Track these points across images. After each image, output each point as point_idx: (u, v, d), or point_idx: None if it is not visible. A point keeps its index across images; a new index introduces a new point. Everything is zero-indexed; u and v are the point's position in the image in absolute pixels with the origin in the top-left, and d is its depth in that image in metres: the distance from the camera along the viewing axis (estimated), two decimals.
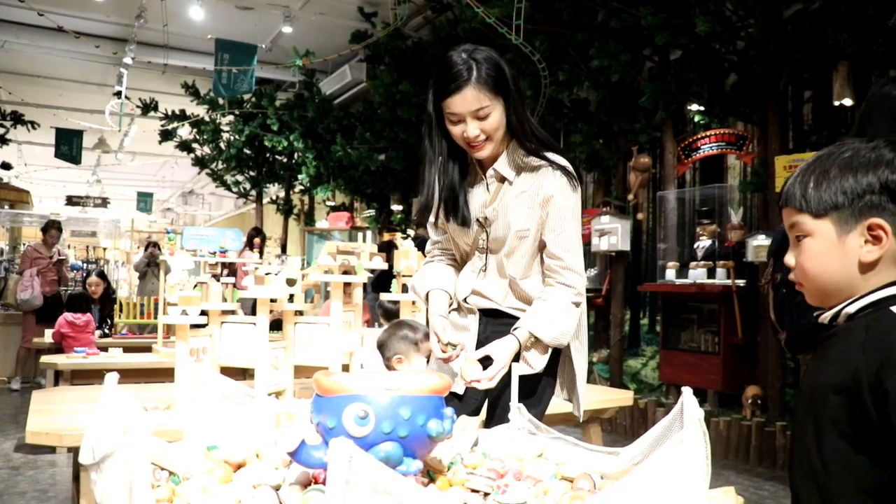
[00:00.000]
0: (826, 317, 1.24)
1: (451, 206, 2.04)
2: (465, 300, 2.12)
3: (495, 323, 2.07)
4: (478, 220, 2.04)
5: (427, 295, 2.14)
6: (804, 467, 1.23)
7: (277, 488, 1.18)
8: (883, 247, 1.15)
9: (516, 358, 1.95)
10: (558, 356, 2.11)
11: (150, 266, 9.75)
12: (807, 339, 2.17)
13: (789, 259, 1.26)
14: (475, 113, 1.89)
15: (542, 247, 2.03)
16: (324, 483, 1.13)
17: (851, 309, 1.19)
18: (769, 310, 2.20)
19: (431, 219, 2.13)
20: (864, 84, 4.80)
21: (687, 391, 1.16)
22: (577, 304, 2.04)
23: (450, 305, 2.12)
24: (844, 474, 1.12)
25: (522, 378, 1.96)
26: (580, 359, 2.13)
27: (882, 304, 1.16)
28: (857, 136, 2.63)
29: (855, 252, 1.17)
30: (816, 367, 1.26)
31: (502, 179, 2.02)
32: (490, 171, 2.03)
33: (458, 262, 2.20)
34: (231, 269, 6.03)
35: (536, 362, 2.01)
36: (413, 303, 3.38)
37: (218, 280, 3.51)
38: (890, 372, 1.08)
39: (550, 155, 2.02)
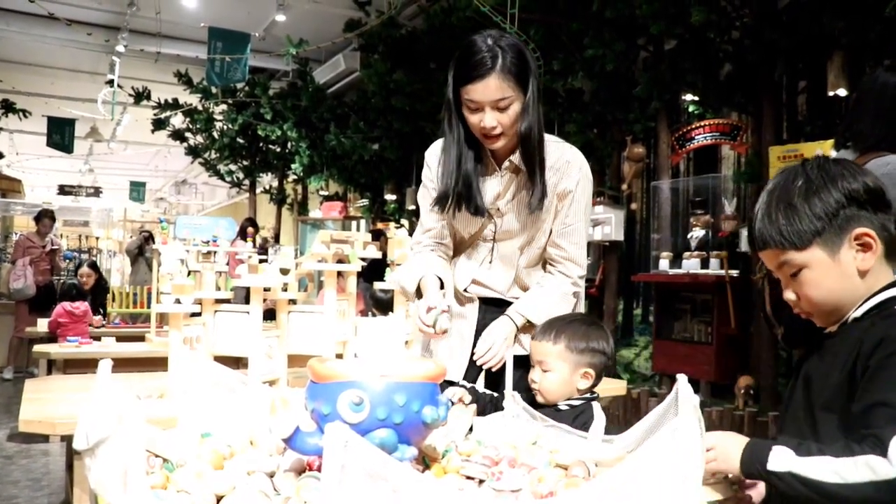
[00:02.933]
0: (835, 328, 1.27)
1: (466, 196, 1.97)
2: (464, 290, 2.10)
3: (495, 311, 2.05)
4: (487, 211, 2.00)
5: (419, 282, 2.04)
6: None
7: (272, 475, 1.17)
8: (875, 251, 1.20)
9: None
10: None
11: (141, 255, 9.71)
12: (805, 334, 2.18)
13: (789, 295, 1.28)
14: (495, 103, 1.83)
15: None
16: (318, 470, 1.13)
17: (858, 313, 1.23)
18: (764, 303, 2.20)
19: (430, 204, 2.08)
20: (859, 74, 4.80)
21: (682, 378, 1.16)
22: (575, 294, 2.04)
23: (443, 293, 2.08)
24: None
25: (519, 361, 1.97)
26: None
27: (886, 306, 1.20)
28: (848, 126, 2.64)
29: (851, 265, 1.21)
30: (817, 363, 1.28)
31: (517, 171, 1.98)
32: (505, 164, 1.99)
33: (449, 254, 2.16)
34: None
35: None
36: None
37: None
38: (878, 353, 1.13)
39: (567, 147, 2.02)
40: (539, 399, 1.74)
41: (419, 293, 2.01)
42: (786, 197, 1.23)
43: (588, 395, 1.75)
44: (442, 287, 1.99)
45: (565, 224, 2.01)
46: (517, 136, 1.92)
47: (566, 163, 1.98)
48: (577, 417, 1.67)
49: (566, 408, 1.71)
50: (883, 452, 1.06)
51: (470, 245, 2.10)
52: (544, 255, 2.07)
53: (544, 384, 1.71)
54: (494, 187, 2.01)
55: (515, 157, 1.96)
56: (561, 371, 1.71)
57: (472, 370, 2.06)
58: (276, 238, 11.48)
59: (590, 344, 1.71)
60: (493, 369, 1.96)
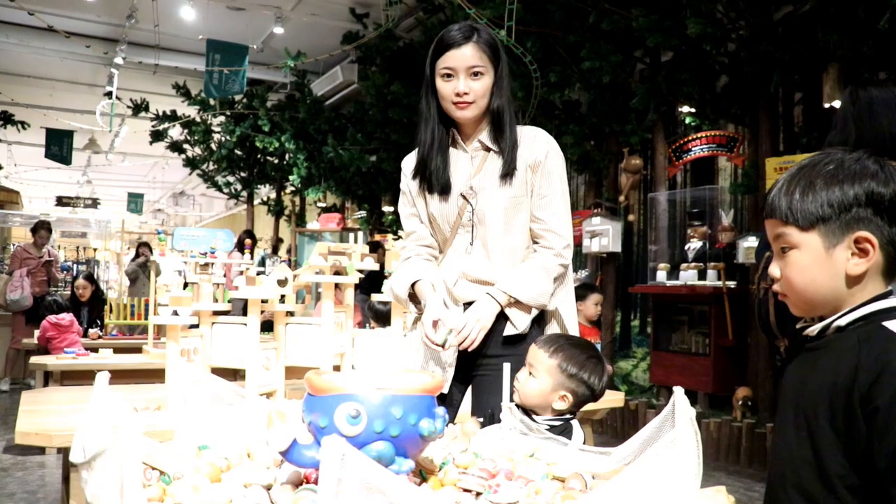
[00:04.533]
0: (814, 330, 1.25)
1: (439, 175, 2.05)
2: (451, 289, 2.08)
3: None
4: (462, 194, 2.04)
5: (413, 286, 2.05)
6: (784, 465, 1.24)
7: (269, 488, 1.17)
8: (870, 260, 1.16)
9: (504, 319, 2.01)
10: (544, 318, 2.15)
11: (142, 268, 9.71)
12: None
13: (774, 270, 1.26)
14: (470, 69, 1.95)
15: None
16: (315, 483, 1.12)
17: (842, 322, 1.20)
18: (768, 314, 2.18)
19: (410, 209, 2.15)
20: (853, 85, 4.83)
21: (678, 391, 1.16)
22: (562, 266, 2.07)
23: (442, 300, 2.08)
24: (827, 473, 1.14)
25: (510, 340, 2.03)
26: (569, 315, 2.15)
27: (873, 319, 1.17)
28: (838, 137, 2.66)
29: (842, 265, 1.18)
30: (803, 375, 1.26)
31: (487, 149, 2.05)
32: (475, 144, 2.07)
33: (435, 255, 2.16)
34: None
35: (520, 322, 2.03)
36: None
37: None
38: (882, 388, 1.09)
39: (531, 127, 2.10)
40: (515, 399, 1.79)
41: (413, 299, 2.05)
42: (811, 175, 1.20)
43: (567, 416, 1.79)
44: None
45: (541, 195, 2.05)
46: (488, 114, 2.03)
47: (532, 137, 2.06)
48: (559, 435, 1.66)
49: (546, 427, 1.69)
50: None
51: (452, 237, 2.11)
52: (531, 235, 2.10)
53: (526, 387, 1.77)
54: (467, 167, 2.07)
55: (484, 137, 2.05)
56: (543, 383, 1.75)
57: (460, 374, 2.08)
58: (275, 250, 11.48)
59: (580, 374, 1.75)
60: (469, 349, 1.96)
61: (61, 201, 16.21)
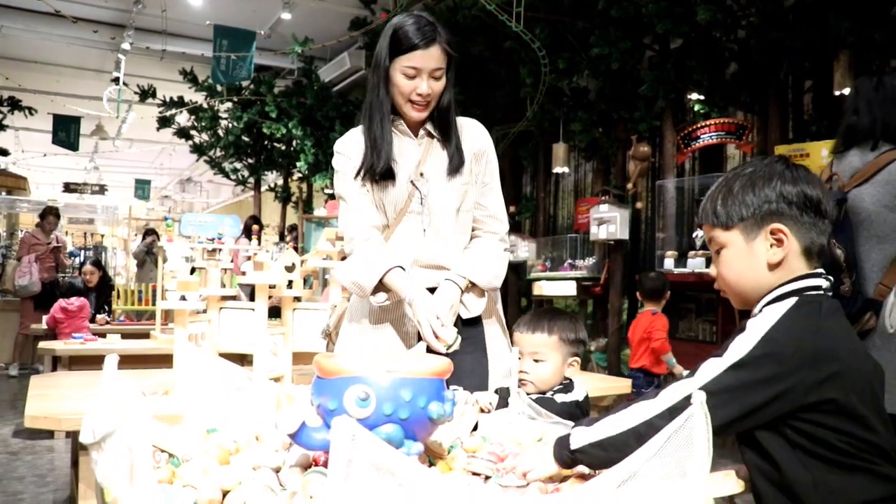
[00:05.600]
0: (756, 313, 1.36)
1: (386, 164, 2.04)
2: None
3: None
4: (411, 180, 2.06)
5: (386, 274, 1.95)
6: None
7: (277, 470, 1.17)
8: (786, 248, 1.30)
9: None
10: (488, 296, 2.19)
11: (149, 254, 9.74)
12: None
13: (711, 270, 1.44)
14: (433, 71, 1.96)
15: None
16: (324, 465, 1.13)
17: (756, 309, 1.34)
18: None
19: (356, 189, 2.08)
20: (865, 73, 4.79)
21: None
22: (506, 250, 2.17)
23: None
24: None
25: (464, 322, 2.06)
26: (499, 294, 2.24)
27: (782, 298, 1.30)
28: (864, 120, 2.67)
29: (763, 255, 1.32)
30: None
31: (431, 136, 2.10)
32: (420, 132, 2.10)
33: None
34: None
35: (474, 306, 2.08)
36: None
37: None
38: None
39: (466, 118, 2.16)
40: (529, 389, 1.82)
41: (380, 288, 1.97)
42: (731, 182, 1.36)
43: (566, 381, 1.88)
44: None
45: (484, 183, 2.14)
46: (436, 108, 2.06)
47: (472, 127, 2.15)
48: (566, 399, 1.79)
49: (560, 398, 1.80)
50: (654, 397, 1.23)
51: (397, 222, 2.09)
52: (472, 221, 2.16)
53: (538, 374, 1.82)
54: (415, 154, 2.09)
55: (429, 126, 2.09)
56: (554, 361, 1.83)
57: None
58: (281, 236, 11.49)
59: (577, 335, 1.86)
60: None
61: (68, 187, 16.22)
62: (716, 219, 1.36)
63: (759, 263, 1.32)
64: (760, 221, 1.31)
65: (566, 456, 1.24)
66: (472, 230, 2.16)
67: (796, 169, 1.33)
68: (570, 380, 1.87)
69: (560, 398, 1.78)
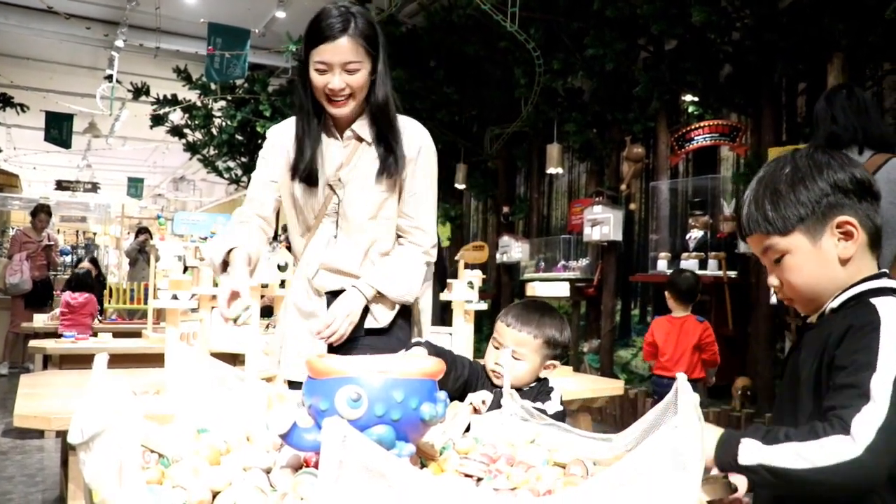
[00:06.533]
0: (814, 318, 1.29)
1: (307, 166, 1.97)
2: (311, 280, 2.04)
3: None
4: (329, 184, 1.99)
5: (229, 253, 1.87)
6: None
7: (268, 471, 1.16)
8: (856, 240, 1.22)
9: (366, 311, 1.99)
10: (409, 312, 2.14)
11: (141, 253, 9.71)
12: None
13: (773, 280, 1.31)
14: (345, 65, 1.86)
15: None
16: (315, 466, 1.12)
17: (835, 304, 1.25)
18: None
19: (264, 177, 2.05)
20: (859, 76, 4.80)
21: (682, 377, 1.15)
22: (427, 264, 2.07)
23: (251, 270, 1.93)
24: None
25: (371, 332, 2.02)
26: (426, 308, 2.18)
27: (863, 297, 1.21)
28: (845, 130, 2.72)
29: (832, 252, 1.23)
30: (797, 356, 1.31)
31: (360, 139, 2.01)
32: (347, 133, 2.01)
33: (268, 231, 2.08)
34: None
35: (382, 317, 2.02)
36: None
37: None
38: (845, 340, 1.16)
39: (407, 119, 2.06)
40: (500, 383, 1.78)
41: (226, 266, 1.89)
42: (773, 184, 1.26)
43: (541, 380, 1.86)
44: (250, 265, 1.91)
45: (411, 192, 2.03)
46: (366, 105, 1.97)
47: (411, 130, 2.04)
48: (538, 395, 1.78)
49: (526, 389, 1.80)
50: (846, 432, 1.06)
51: (316, 226, 2.05)
52: (396, 230, 2.07)
53: (515, 371, 1.78)
54: (338, 157, 2.01)
55: (358, 126, 1.99)
56: (533, 362, 1.80)
57: None
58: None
59: (563, 339, 1.82)
60: (334, 344, 1.93)
61: (61, 185, 16.15)
62: (769, 226, 1.25)
63: (831, 262, 1.23)
64: (822, 218, 1.22)
65: (729, 466, 1.15)
66: (398, 238, 2.08)
67: (834, 155, 1.25)
68: (546, 379, 1.86)
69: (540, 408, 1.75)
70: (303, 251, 2.08)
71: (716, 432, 1.21)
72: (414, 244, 2.06)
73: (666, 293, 4.57)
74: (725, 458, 1.16)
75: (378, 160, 1.98)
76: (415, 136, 2.03)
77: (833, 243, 1.22)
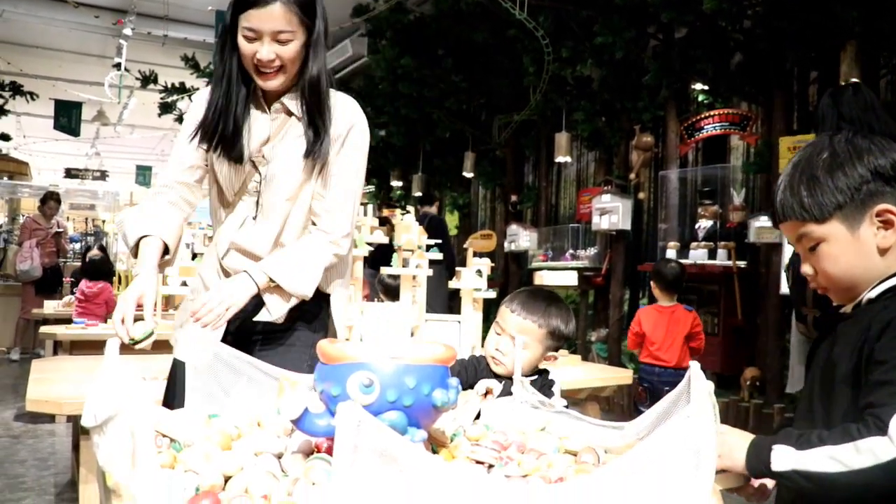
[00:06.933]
0: (849, 308, 1.25)
1: (231, 137, 1.80)
2: (221, 259, 1.90)
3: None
4: (252, 159, 1.84)
5: (139, 242, 1.76)
6: (800, 427, 1.24)
7: (280, 456, 1.17)
8: None
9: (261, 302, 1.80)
10: (320, 307, 1.93)
11: None
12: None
13: (807, 269, 1.26)
14: (276, 34, 1.71)
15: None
16: (327, 452, 1.12)
17: (873, 294, 1.20)
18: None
19: (187, 138, 1.86)
20: (873, 64, 4.75)
21: (695, 365, 1.14)
22: (335, 255, 1.86)
23: (162, 257, 1.79)
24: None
25: (268, 327, 1.84)
26: (339, 303, 1.98)
27: None
28: (840, 129, 2.70)
29: (871, 241, 1.18)
30: (831, 347, 1.26)
31: (289, 114, 1.85)
32: (276, 105, 1.85)
33: (192, 201, 1.92)
34: None
35: (276, 309, 1.81)
36: (414, 277, 3.37)
37: None
38: (886, 334, 1.12)
39: (341, 95, 1.91)
40: (499, 370, 1.78)
41: (136, 252, 1.78)
42: (809, 169, 1.21)
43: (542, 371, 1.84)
44: (167, 254, 1.80)
45: (331, 173, 1.85)
46: (298, 79, 1.82)
47: (342, 107, 1.89)
48: (541, 388, 1.72)
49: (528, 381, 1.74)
50: (883, 432, 1.04)
51: (234, 203, 1.90)
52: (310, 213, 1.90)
53: (514, 359, 1.73)
54: (263, 131, 1.85)
55: (287, 99, 1.84)
56: (535, 352, 1.77)
57: None
58: None
59: (567, 331, 1.78)
60: (208, 328, 1.72)
61: (70, 173, 16.17)
62: (805, 212, 1.20)
63: (870, 251, 1.18)
64: (861, 205, 1.17)
65: (762, 473, 1.14)
66: (311, 224, 1.89)
67: (875, 140, 1.20)
68: (547, 371, 1.83)
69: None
70: (219, 228, 1.94)
71: (745, 439, 1.19)
72: (322, 231, 1.85)
73: (651, 283, 4.59)
74: (758, 465, 1.14)
75: (304, 138, 1.82)
76: (346, 113, 1.88)
77: (872, 232, 1.18)
